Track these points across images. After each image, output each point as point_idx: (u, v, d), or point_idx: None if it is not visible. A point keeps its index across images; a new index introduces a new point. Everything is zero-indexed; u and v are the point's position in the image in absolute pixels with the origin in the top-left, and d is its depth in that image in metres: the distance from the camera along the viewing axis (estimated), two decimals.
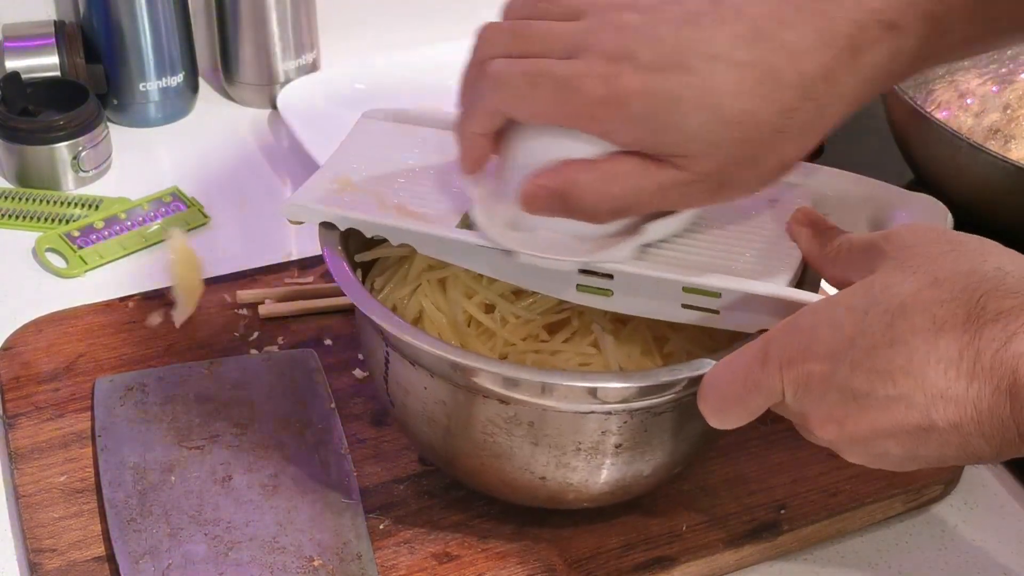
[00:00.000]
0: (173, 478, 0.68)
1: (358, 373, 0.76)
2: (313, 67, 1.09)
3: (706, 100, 0.52)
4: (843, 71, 0.53)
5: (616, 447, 0.60)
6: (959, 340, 0.47)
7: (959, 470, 0.72)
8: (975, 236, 0.52)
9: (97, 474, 0.69)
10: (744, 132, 0.53)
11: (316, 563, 0.64)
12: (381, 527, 0.67)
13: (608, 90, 0.53)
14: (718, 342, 0.62)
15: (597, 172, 0.55)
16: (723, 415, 0.56)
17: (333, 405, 0.74)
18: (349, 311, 0.80)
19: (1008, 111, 0.95)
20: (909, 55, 0.54)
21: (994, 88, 0.97)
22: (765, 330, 0.57)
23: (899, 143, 0.94)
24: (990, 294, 0.48)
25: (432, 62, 1.10)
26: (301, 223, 0.65)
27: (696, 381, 0.57)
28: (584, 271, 0.59)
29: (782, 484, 0.70)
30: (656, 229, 0.59)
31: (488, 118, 0.57)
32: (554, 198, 0.56)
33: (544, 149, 0.56)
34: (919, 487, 0.70)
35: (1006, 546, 0.69)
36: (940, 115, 0.95)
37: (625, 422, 0.59)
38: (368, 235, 0.63)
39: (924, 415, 0.48)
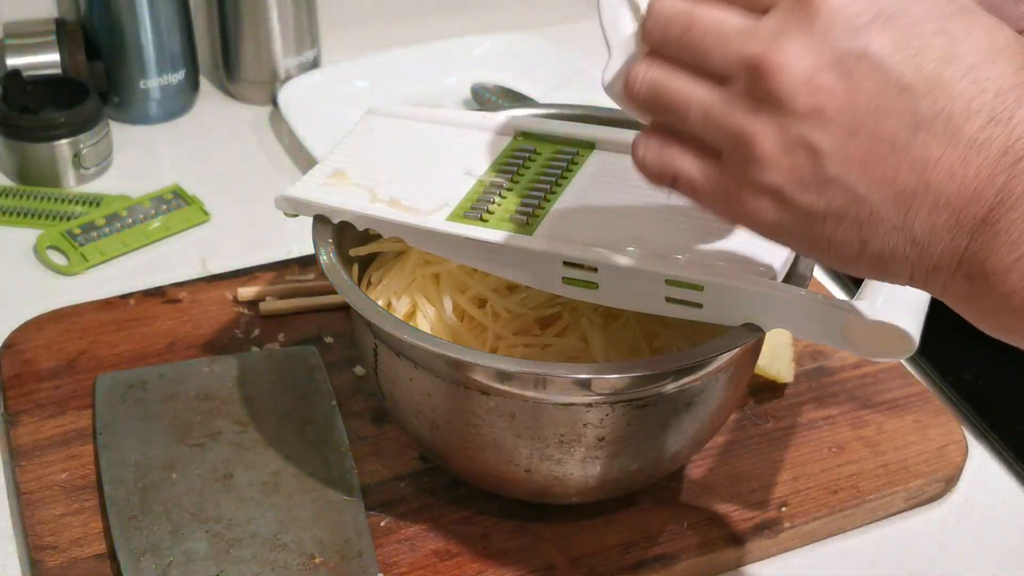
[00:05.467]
0: (174, 475, 0.68)
1: (359, 370, 0.76)
2: (314, 64, 1.09)
3: None
4: None
5: (599, 440, 0.60)
6: None
7: (960, 469, 0.72)
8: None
9: (98, 471, 0.69)
10: None
11: (317, 560, 0.64)
12: (382, 524, 0.67)
13: None
14: (708, 337, 0.61)
15: None
16: None
17: (334, 402, 0.74)
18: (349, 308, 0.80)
19: None
20: None
21: None
22: (750, 323, 0.57)
23: None
24: None
25: (433, 59, 1.10)
26: (295, 216, 0.65)
27: (678, 374, 0.56)
28: (569, 263, 0.59)
29: (783, 481, 0.70)
30: None
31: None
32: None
33: None
34: (920, 485, 0.70)
35: (1006, 544, 0.69)
36: None
37: (607, 415, 0.59)
38: (359, 228, 0.64)
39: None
